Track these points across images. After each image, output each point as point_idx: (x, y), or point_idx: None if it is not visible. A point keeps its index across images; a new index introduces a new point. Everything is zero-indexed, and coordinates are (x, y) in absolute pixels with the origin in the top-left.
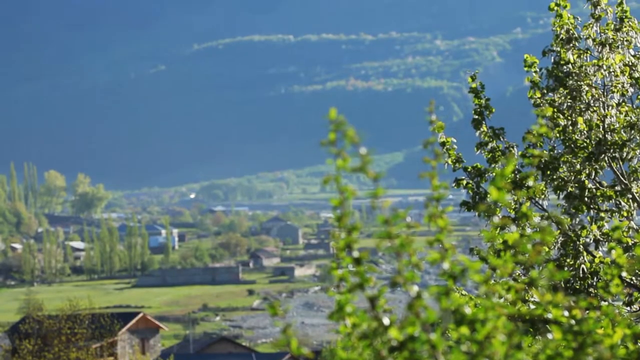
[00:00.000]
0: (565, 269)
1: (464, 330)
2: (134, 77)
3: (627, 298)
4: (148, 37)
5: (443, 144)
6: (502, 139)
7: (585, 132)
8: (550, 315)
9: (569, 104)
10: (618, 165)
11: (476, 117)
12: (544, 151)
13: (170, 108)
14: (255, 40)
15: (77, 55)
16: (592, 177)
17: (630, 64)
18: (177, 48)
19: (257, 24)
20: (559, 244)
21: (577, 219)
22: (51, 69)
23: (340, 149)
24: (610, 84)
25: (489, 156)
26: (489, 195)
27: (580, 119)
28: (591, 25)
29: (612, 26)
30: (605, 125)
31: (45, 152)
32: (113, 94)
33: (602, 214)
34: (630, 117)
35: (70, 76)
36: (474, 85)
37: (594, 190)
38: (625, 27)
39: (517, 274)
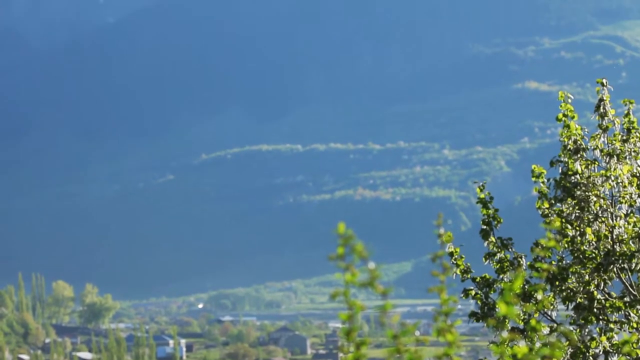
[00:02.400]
0: None
1: None
2: (142, 187)
3: None
4: (157, 147)
5: (451, 254)
6: (510, 250)
7: (593, 242)
8: None
9: (577, 214)
10: (627, 276)
11: (484, 227)
12: (552, 262)
13: (178, 217)
14: (264, 150)
15: (85, 164)
16: (601, 288)
17: (638, 174)
18: (186, 157)
19: (265, 133)
20: (568, 356)
21: (586, 330)
22: (59, 179)
23: (348, 263)
24: (618, 194)
25: (497, 267)
26: (497, 307)
27: (588, 230)
28: (599, 136)
29: (620, 137)
30: (614, 236)
31: (53, 262)
32: (121, 203)
33: (612, 325)
34: (639, 228)
35: (78, 186)
36: (482, 195)
37: (603, 301)
38: (632, 138)
39: None
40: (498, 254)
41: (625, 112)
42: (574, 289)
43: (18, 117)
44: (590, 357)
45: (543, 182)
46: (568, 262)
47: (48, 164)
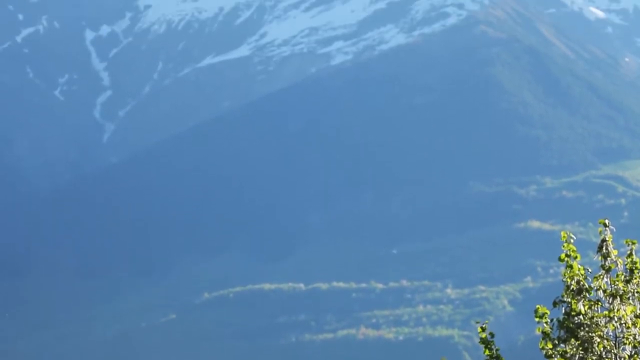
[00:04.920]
0: None
1: None
2: (145, 327)
3: None
4: (159, 286)
5: None
6: None
7: None
8: None
9: (580, 355)
10: None
11: None
12: None
13: (180, 356)
14: (266, 289)
15: (86, 304)
16: None
17: None
18: (189, 296)
19: (267, 272)
20: None
21: None
22: (60, 319)
23: None
24: (622, 335)
25: None
26: None
27: None
28: (602, 277)
29: (623, 278)
30: None
31: None
32: (123, 342)
33: None
34: None
35: (79, 326)
36: (484, 335)
37: None
38: (635, 278)
39: None
40: None
41: (628, 252)
42: None
43: (18, 257)
44: None
45: (546, 322)
46: None
47: (49, 304)
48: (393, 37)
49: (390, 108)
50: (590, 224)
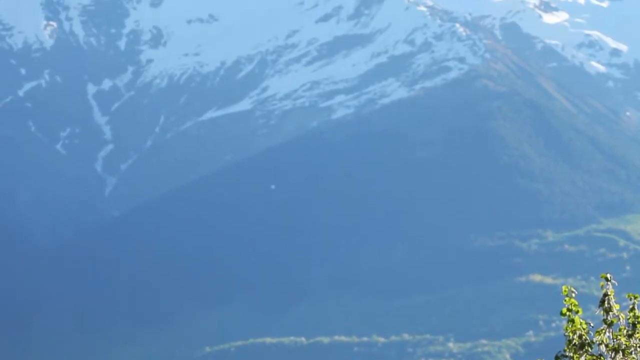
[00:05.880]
0: None
1: None
2: None
3: None
4: (160, 339)
5: None
6: None
7: None
8: None
9: None
10: None
11: None
12: None
13: None
14: (267, 343)
15: (88, 357)
16: None
17: None
18: (189, 350)
19: (269, 325)
20: None
21: None
22: None
23: None
24: None
25: None
26: None
27: None
28: (604, 331)
29: (625, 332)
30: None
31: None
32: None
33: None
34: None
35: None
36: None
37: None
38: (638, 332)
39: None
40: None
41: (630, 306)
42: None
43: (20, 310)
44: None
45: None
46: None
47: (51, 358)
48: (394, 90)
49: (392, 161)
50: (592, 278)
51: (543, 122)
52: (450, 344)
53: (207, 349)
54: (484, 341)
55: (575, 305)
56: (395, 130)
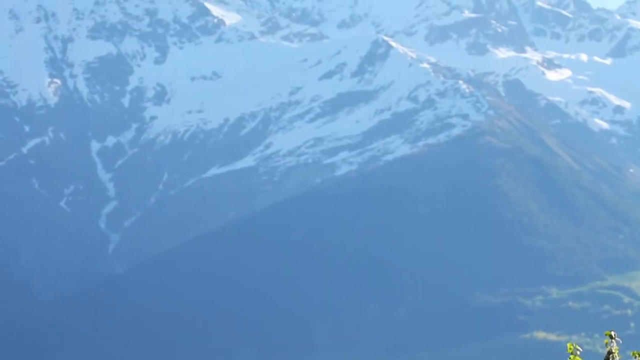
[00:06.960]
0: None
1: None
2: None
3: None
4: None
5: None
6: None
7: None
8: None
9: None
10: None
11: None
12: None
13: None
14: None
15: None
16: None
17: None
18: None
19: None
20: None
21: None
22: None
23: None
24: None
25: None
26: None
27: None
28: None
29: None
30: None
31: None
32: None
33: None
34: None
35: None
36: None
37: None
38: None
39: None
40: None
41: None
42: None
43: None
44: None
45: None
46: None
47: None
48: (398, 147)
49: (395, 217)
50: (597, 335)
51: (547, 178)
52: None
53: None
54: None
55: None
56: (398, 187)
